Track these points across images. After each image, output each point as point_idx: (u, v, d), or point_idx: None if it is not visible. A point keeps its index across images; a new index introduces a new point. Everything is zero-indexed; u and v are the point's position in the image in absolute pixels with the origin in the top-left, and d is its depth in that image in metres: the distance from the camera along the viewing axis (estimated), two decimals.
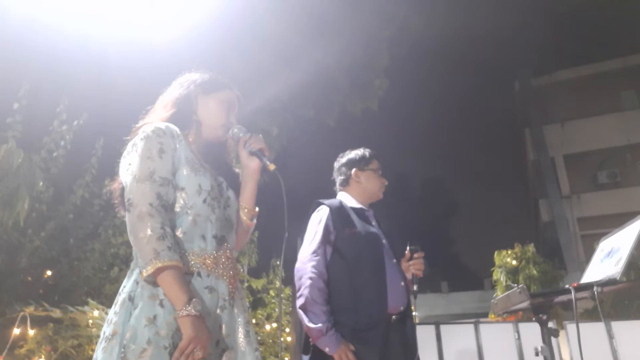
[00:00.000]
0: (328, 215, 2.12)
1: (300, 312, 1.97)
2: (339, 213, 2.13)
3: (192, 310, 1.21)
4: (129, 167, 1.36)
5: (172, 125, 1.44)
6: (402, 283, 2.07)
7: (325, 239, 2.06)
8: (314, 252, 2.03)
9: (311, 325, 1.92)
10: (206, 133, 1.54)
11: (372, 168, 2.28)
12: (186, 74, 1.61)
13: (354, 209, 2.21)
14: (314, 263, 2.00)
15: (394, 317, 2.02)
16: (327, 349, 1.90)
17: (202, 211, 1.38)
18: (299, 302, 1.97)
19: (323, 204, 2.18)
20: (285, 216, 1.52)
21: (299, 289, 1.99)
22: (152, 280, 1.25)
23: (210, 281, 1.34)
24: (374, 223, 2.21)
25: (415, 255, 2.07)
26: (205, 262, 1.35)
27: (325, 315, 1.92)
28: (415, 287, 2.04)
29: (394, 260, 2.12)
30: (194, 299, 1.23)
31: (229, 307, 1.37)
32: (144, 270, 1.24)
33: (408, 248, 2.10)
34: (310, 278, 1.97)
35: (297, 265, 2.05)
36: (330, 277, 2.03)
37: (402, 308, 2.04)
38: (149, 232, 1.24)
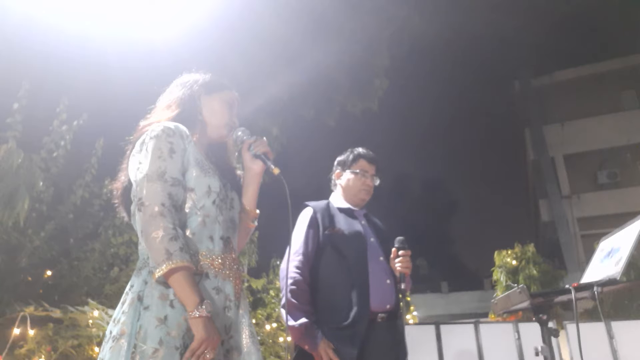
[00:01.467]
0: (312, 215, 2.15)
1: (283, 311, 2.00)
2: (323, 213, 2.16)
3: (204, 312, 1.21)
4: (140, 166, 1.35)
5: (181, 126, 1.44)
6: (389, 281, 2.06)
7: (308, 239, 2.09)
8: (297, 252, 2.07)
9: (290, 323, 1.94)
10: (211, 133, 1.55)
11: (355, 169, 2.26)
12: (186, 75, 1.62)
13: (341, 209, 2.23)
14: (295, 263, 2.04)
15: (380, 315, 2.01)
16: (306, 347, 1.93)
17: (211, 212, 1.38)
18: (282, 301, 2.00)
19: (308, 205, 2.22)
20: (289, 219, 1.53)
21: (282, 289, 2.02)
22: (164, 281, 1.25)
23: (217, 282, 1.35)
24: (363, 222, 2.22)
25: (401, 253, 2.05)
26: (213, 263, 1.35)
27: (304, 314, 1.95)
28: (402, 286, 2.02)
29: (381, 259, 2.11)
30: (205, 300, 1.23)
31: (234, 308, 1.38)
32: (156, 271, 1.23)
33: (395, 247, 2.08)
34: (291, 278, 2.00)
35: (282, 265, 2.08)
36: (314, 276, 2.06)
37: (388, 307, 2.04)
38: (161, 232, 1.24)
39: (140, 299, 1.28)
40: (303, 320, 1.93)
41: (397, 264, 2.04)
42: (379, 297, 2.02)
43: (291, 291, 1.98)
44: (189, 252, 1.28)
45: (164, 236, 1.23)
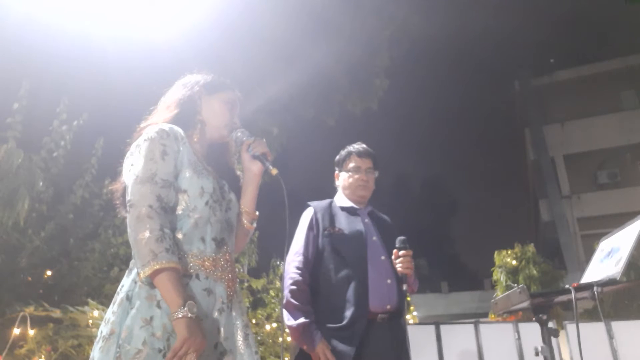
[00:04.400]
0: (312, 215, 2.16)
1: (283, 310, 2.01)
2: (324, 213, 2.16)
3: (188, 313, 1.20)
4: (132, 167, 1.36)
5: (176, 128, 1.44)
6: (389, 281, 2.05)
7: (308, 239, 2.10)
8: (297, 252, 2.07)
9: (289, 323, 1.95)
10: (210, 133, 1.55)
11: (346, 168, 2.27)
12: (188, 75, 1.62)
13: (343, 207, 2.23)
14: (296, 264, 2.04)
15: (380, 315, 2.00)
16: (305, 347, 1.93)
17: (204, 213, 1.38)
18: (283, 301, 2.01)
19: (310, 205, 2.22)
20: (287, 220, 1.52)
21: (283, 289, 2.03)
22: (149, 282, 1.25)
23: (208, 283, 1.34)
24: (366, 221, 2.21)
25: (401, 253, 2.04)
26: (204, 264, 1.35)
27: (303, 314, 1.95)
28: (404, 287, 2.01)
29: (383, 258, 2.10)
30: (189, 302, 1.22)
31: (227, 310, 1.37)
32: (141, 272, 1.24)
33: (396, 247, 2.07)
34: (291, 278, 2.01)
35: (284, 266, 2.09)
36: (314, 276, 2.06)
37: (389, 307, 2.02)
38: (147, 233, 1.24)
39: (129, 298, 1.28)
40: (302, 320, 1.93)
41: (398, 265, 2.03)
42: (379, 297, 2.01)
43: (291, 291, 1.99)
44: (177, 253, 1.28)
45: (150, 237, 1.24)
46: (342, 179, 2.28)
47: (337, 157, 2.34)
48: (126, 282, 1.33)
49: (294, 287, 1.99)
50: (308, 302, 1.99)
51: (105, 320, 1.30)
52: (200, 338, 1.21)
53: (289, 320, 1.96)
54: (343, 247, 2.08)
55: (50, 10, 4.30)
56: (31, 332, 2.97)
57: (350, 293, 1.99)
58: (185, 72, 1.63)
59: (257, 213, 1.60)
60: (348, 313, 1.96)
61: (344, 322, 1.95)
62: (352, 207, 2.23)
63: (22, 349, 2.94)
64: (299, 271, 2.02)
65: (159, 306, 1.25)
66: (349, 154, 2.29)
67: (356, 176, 2.23)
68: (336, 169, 2.34)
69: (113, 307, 1.30)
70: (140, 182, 1.31)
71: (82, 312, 3.11)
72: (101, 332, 1.28)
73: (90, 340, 3.10)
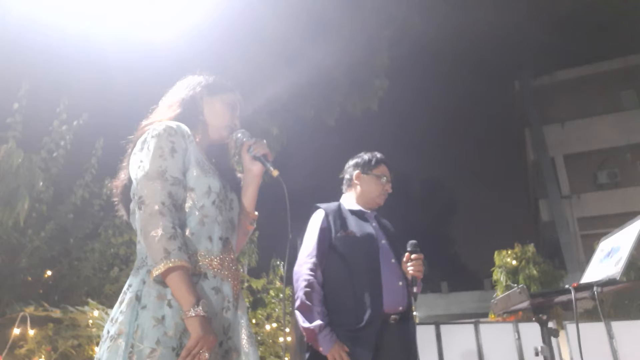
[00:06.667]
0: (323, 218, 2.16)
1: (297, 313, 2.01)
2: (335, 215, 2.17)
3: (201, 311, 1.21)
4: (141, 164, 1.35)
5: (183, 125, 1.44)
6: (400, 283, 2.08)
7: (320, 242, 2.10)
8: (310, 254, 2.08)
9: (305, 325, 1.96)
10: (211, 134, 1.55)
11: (376, 173, 2.27)
12: (189, 76, 1.62)
13: (352, 211, 2.24)
14: (309, 265, 2.05)
15: (392, 317, 2.03)
16: (320, 349, 1.94)
17: (211, 212, 1.38)
18: (296, 303, 2.02)
19: (320, 207, 2.23)
20: (288, 222, 1.52)
21: (296, 291, 2.04)
22: (161, 280, 1.24)
23: (216, 282, 1.35)
24: (374, 224, 2.23)
25: (413, 257, 2.08)
26: (211, 263, 1.35)
27: (319, 316, 1.96)
28: (415, 289, 2.04)
29: (393, 261, 2.12)
30: (201, 300, 1.23)
31: (232, 309, 1.38)
32: (154, 270, 1.23)
33: (407, 250, 2.10)
34: (305, 280, 2.02)
35: (295, 268, 2.10)
36: (327, 279, 2.06)
37: (401, 308, 2.05)
38: (160, 231, 1.23)
39: (138, 298, 1.27)
40: (318, 322, 1.94)
41: (410, 268, 2.07)
42: (391, 299, 2.03)
43: (305, 293, 1.99)
44: (188, 251, 1.28)
45: (162, 235, 1.23)
46: (366, 181, 2.28)
47: (362, 159, 2.33)
48: (134, 282, 1.32)
49: (308, 289, 2.00)
50: (322, 304, 2.00)
51: (112, 320, 1.29)
52: (213, 336, 1.21)
53: (304, 322, 1.96)
54: (356, 250, 2.09)
55: (50, 10, 4.30)
56: (31, 332, 2.97)
57: (365, 295, 2.00)
58: (186, 73, 1.64)
59: (257, 213, 1.60)
60: (364, 315, 1.97)
61: (360, 324, 1.96)
62: (360, 211, 2.25)
63: (22, 349, 2.94)
64: (312, 273, 2.03)
65: (169, 305, 1.25)
66: (381, 161, 2.31)
67: (383, 185, 2.27)
68: (357, 169, 2.32)
69: (121, 307, 1.29)
70: (150, 178, 1.31)
71: (82, 312, 3.12)
72: (108, 332, 1.27)
73: (90, 340, 3.11)
